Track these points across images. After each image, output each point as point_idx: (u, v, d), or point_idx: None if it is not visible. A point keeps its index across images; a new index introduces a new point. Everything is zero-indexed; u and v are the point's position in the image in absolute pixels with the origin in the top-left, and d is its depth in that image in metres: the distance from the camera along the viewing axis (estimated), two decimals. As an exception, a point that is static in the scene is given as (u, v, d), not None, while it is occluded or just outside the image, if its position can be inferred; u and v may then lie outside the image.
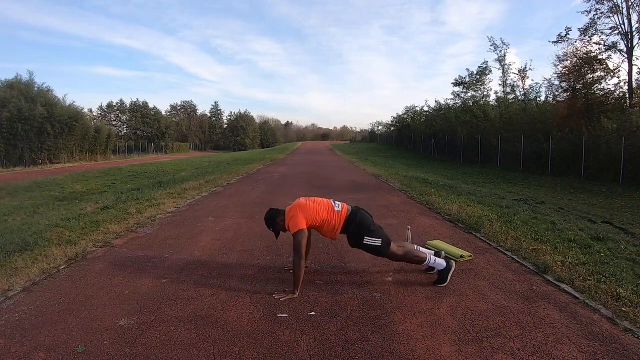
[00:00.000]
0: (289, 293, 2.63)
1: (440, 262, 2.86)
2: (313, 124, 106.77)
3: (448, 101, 33.75)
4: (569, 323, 2.22)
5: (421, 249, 3.02)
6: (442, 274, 2.83)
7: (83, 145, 29.92)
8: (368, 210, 3.01)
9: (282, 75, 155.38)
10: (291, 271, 3.03)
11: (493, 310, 2.39)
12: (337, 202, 2.93)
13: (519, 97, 26.96)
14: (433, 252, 2.99)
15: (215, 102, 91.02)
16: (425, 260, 2.86)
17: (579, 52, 20.15)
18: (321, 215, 2.79)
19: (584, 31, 19.74)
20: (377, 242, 2.77)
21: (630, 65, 18.44)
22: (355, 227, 2.79)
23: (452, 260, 2.95)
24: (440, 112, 33.40)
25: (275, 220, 2.89)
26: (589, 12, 19.33)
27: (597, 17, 19.11)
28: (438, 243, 3.75)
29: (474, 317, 2.30)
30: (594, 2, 19.02)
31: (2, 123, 23.15)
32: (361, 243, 2.79)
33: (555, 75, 21.76)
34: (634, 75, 18.53)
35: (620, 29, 18.62)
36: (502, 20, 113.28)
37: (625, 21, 18.44)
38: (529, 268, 3.15)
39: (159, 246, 3.83)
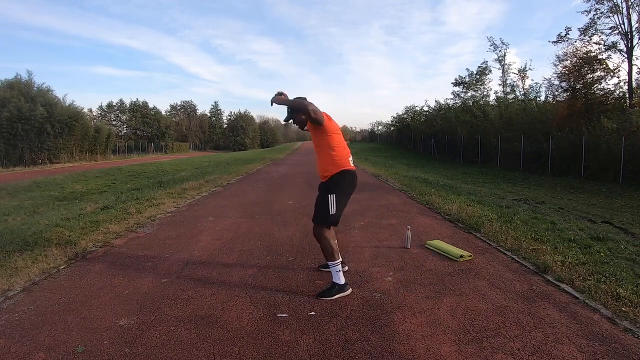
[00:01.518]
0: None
1: (341, 277, 2.63)
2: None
3: (448, 101, 33.80)
4: (569, 323, 2.22)
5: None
6: (333, 287, 2.59)
7: (83, 145, 29.92)
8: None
9: (282, 75, 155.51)
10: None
11: (493, 310, 2.39)
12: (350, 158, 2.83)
13: (519, 97, 26.97)
14: (341, 266, 2.69)
15: (215, 102, 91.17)
16: (335, 262, 2.62)
17: (579, 52, 20.19)
18: (339, 136, 2.74)
19: (584, 31, 19.77)
20: (332, 209, 2.63)
21: (630, 65, 18.46)
22: (336, 182, 2.67)
23: (350, 289, 2.68)
24: (440, 112, 33.42)
25: (300, 111, 2.70)
26: (589, 12, 19.38)
27: (597, 17, 19.15)
28: (438, 243, 3.75)
29: (474, 317, 2.30)
30: (594, 2, 19.06)
31: (2, 123, 23.14)
32: (325, 195, 2.65)
33: (555, 75, 21.81)
34: (634, 75, 18.58)
35: (620, 29, 18.65)
36: (502, 20, 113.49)
37: (625, 21, 18.48)
38: (529, 268, 3.15)
39: (159, 246, 3.83)
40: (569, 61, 20.59)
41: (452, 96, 33.23)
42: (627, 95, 18.75)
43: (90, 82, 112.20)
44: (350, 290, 2.67)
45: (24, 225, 4.95)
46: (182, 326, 2.20)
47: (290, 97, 2.78)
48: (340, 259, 2.68)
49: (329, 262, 2.65)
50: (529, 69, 29.36)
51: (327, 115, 2.71)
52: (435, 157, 28.89)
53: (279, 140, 77.80)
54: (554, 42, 21.36)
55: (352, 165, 2.77)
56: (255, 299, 2.58)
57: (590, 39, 19.70)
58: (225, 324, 2.23)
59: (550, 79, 22.90)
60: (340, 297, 2.58)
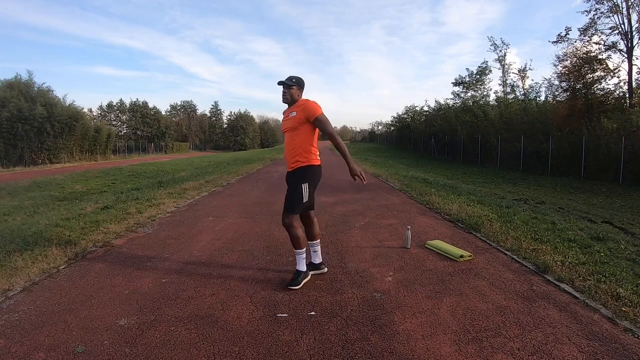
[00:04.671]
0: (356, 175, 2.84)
1: (304, 264, 2.87)
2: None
3: (448, 101, 33.80)
4: (569, 323, 2.22)
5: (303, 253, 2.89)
6: (299, 275, 2.81)
7: (83, 145, 29.90)
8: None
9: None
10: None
11: (493, 310, 2.39)
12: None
13: (519, 97, 26.97)
14: (305, 254, 2.88)
15: (215, 102, 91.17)
16: (301, 250, 2.83)
17: (579, 52, 20.20)
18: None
19: (584, 31, 19.78)
20: (304, 197, 2.78)
21: (630, 65, 18.46)
22: (310, 172, 2.82)
23: (310, 272, 2.93)
24: (440, 112, 33.42)
25: (295, 87, 2.88)
26: (589, 12, 19.39)
27: (597, 17, 19.16)
28: (438, 243, 3.75)
29: (474, 317, 2.30)
30: (594, 2, 19.07)
31: (2, 123, 23.15)
32: (297, 185, 2.78)
33: (555, 75, 21.82)
34: (634, 75, 18.57)
35: (620, 29, 18.65)
36: (502, 20, 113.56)
37: (625, 21, 18.48)
38: (529, 268, 3.15)
39: (159, 246, 3.83)
40: (569, 61, 20.61)
41: (452, 96, 33.27)
42: (627, 95, 18.74)
43: (90, 82, 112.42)
44: (310, 274, 2.92)
45: (24, 225, 4.95)
46: (182, 326, 2.20)
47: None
48: (304, 249, 2.88)
49: (297, 250, 2.87)
50: (529, 69, 29.44)
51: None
52: (435, 157, 28.90)
53: (279, 140, 77.68)
54: (554, 42, 21.39)
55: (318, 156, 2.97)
56: (255, 299, 2.58)
57: (590, 39, 19.73)
58: (225, 324, 2.23)
59: (550, 79, 22.96)
60: (305, 282, 2.82)
